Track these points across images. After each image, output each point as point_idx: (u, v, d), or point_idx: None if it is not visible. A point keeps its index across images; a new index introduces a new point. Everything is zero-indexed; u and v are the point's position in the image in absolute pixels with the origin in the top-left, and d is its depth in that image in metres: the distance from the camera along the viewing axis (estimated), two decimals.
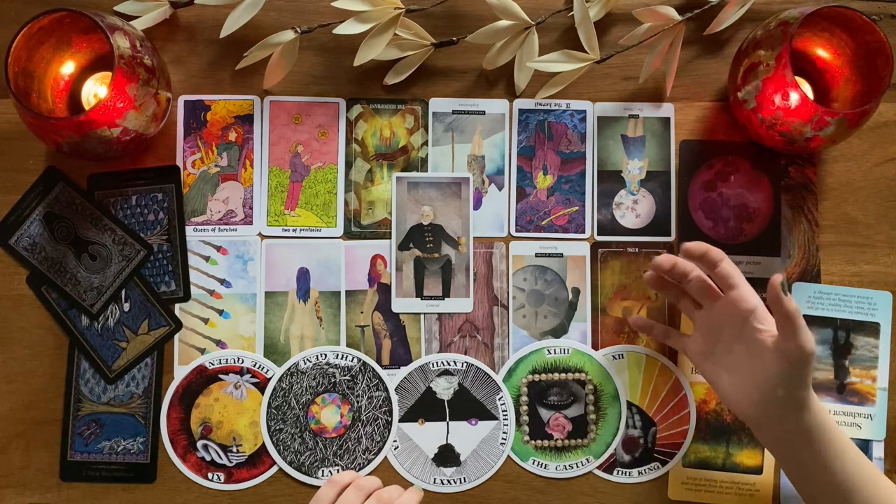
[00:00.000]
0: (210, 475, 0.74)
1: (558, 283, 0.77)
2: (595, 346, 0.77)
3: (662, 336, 0.74)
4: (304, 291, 0.76)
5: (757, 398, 0.64)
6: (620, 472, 0.76)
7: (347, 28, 0.72)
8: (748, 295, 0.65)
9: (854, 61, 0.72)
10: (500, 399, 0.76)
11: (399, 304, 0.77)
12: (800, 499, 0.68)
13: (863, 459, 0.62)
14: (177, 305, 0.76)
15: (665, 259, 0.69)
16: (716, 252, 0.66)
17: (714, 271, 0.66)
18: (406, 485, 0.75)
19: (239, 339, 0.76)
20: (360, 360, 0.76)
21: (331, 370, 0.76)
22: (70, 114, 0.73)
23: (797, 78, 0.69)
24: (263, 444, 0.75)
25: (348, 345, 0.76)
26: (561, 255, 0.78)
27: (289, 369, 0.75)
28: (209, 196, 0.77)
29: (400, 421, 0.76)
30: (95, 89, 0.74)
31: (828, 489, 0.62)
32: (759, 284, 0.77)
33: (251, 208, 0.77)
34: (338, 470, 0.75)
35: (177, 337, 0.75)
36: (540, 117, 0.78)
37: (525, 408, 0.76)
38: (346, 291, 0.77)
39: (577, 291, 0.77)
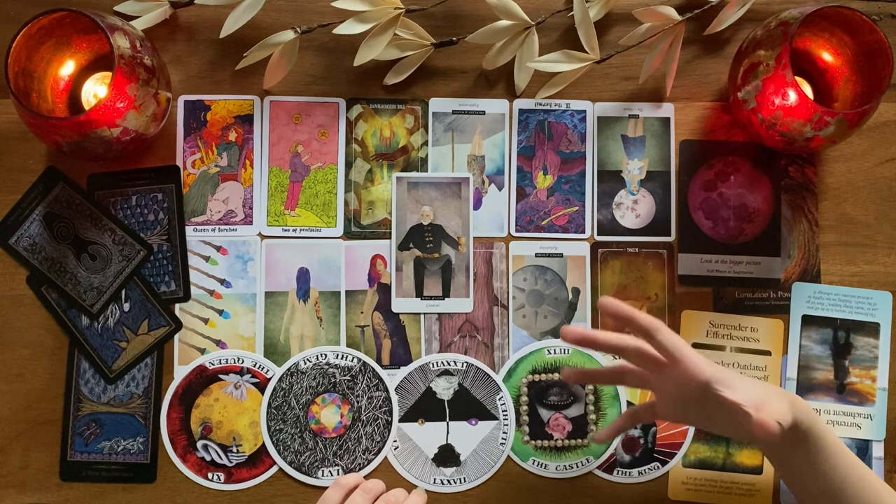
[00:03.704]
0: (210, 475, 0.75)
1: (558, 283, 0.77)
2: None
3: (632, 422, 0.70)
4: (304, 291, 0.76)
5: (748, 435, 0.62)
6: (620, 472, 0.76)
7: (347, 28, 0.72)
8: (698, 367, 0.59)
9: (854, 61, 0.72)
10: (500, 399, 0.76)
11: (399, 304, 0.77)
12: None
13: (857, 463, 0.62)
14: (177, 305, 0.76)
15: (582, 334, 0.62)
16: (646, 320, 0.60)
17: (652, 343, 0.60)
18: (406, 485, 0.75)
19: (239, 339, 0.76)
20: (360, 360, 0.76)
21: (331, 370, 0.76)
22: (70, 114, 0.73)
23: (797, 78, 0.69)
24: (263, 444, 0.75)
25: (348, 345, 0.76)
26: (561, 255, 0.78)
27: (289, 369, 0.75)
28: (209, 196, 0.77)
29: (400, 421, 0.76)
30: (95, 89, 0.74)
31: (823, 493, 0.62)
32: (760, 284, 0.78)
33: (251, 208, 0.77)
34: (338, 470, 0.75)
35: (177, 337, 0.75)
36: (540, 117, 0.78)
37: (525, 408, 0.76)
38: (346, 291, 0.77)
39: (577, 291, 0.77)
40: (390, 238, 0.77)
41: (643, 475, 0.76)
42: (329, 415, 0.75)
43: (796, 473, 0.63)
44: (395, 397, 0.76)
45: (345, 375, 0.76)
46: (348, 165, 0.78)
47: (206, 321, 0.76)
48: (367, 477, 0.75)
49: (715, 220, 0.78)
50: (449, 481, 0.75)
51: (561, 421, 0.76)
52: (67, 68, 0.73)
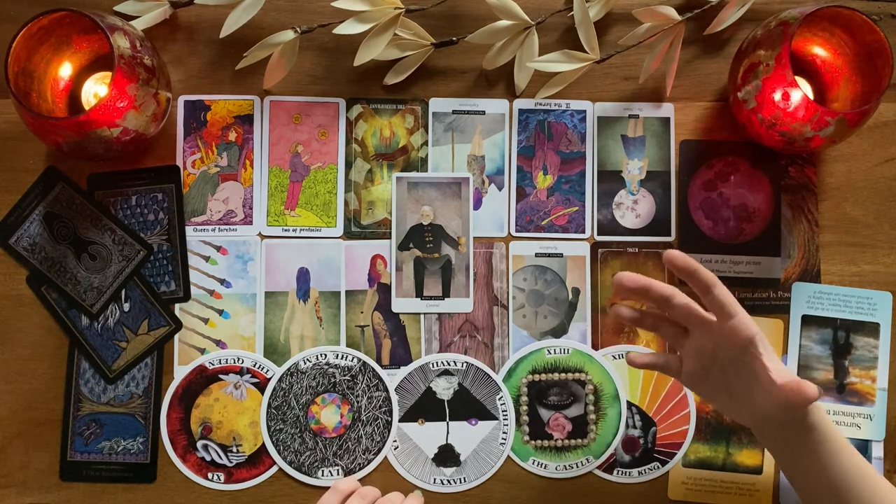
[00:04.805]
0: (210, 475, 0.75)
1: (558, 283, 0.78)
2: (595, 346, 0.77)
3: (663, 365, 0.69)
4: (304, 291, 0.76)
5: (757, 415, 0.63)
6: (620, 472, 0.76)
7: (347, 28, 0.72)
8: (747, 324, 0.61)
9: (854, 61, 0.72)
10: (500, 399, 0.76)
11: (399, 304, 0.77)
12: (799, 498, 0.68)
13: (858, 458, 0.62)
14: (177, 305, 0.76)
15: (638, 279, 0.63)
16: (707, 275, 0.62)
17: (706, 298, 0.62)
18: (406, 485, 0.75)
19: (239, 339, 0.76)
20: (360, 360, 0.76)
21: (331, 370, 0.76)
22: (70, 114, 0.73)
23: (797, 78, 0.69)
24: (263, 444, 0.75)
25: (348, 345, 0.76)
26: (561, 255, 0.78)
27: (289, 369, 0.75)
28: (209, 196, 0.77)
29: (400, 421, 0.76)
30: (95, 89, 0.74)
31: (823, 487, 0.62)
32: (760, 284, 0.78)
33: (251, 208, 0.77)
34: (338, 470, 0.75)
35: (177, 337, 0.75)
36: (540, 117, 0.78)
37: (525, 408, 0.76)
38: (346, 291, 0.77)
39: (577, 291, 0.77)
40: (390, 238, 0.77)
41: (643, 475, 0.76)
42: (329, 415, 0.75)
43: (799, 467, 0.63)
44: (395, 397, 0.76)
45: (345, 375, 0.76)
46: (348, 165, 0.78)
47: (206, 321, 0.76)
48: (367, 477, 0.75)
49: (715, 220, 0.78)
50: (449, 481, 0.75)
51: (561, 421, 0.76)
52: (67, 68, 0.73)
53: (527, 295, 0.77)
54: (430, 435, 0.76)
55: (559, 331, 0.77)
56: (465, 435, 0.76)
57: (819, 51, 0.75)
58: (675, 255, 0.63)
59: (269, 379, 0.75)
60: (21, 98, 0.65)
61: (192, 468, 0.75)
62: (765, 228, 0.78)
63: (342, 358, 0.76)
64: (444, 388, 0.76)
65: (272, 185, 0.77)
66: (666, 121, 0.79)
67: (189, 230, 0.76)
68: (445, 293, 0.77)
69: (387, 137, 0.78)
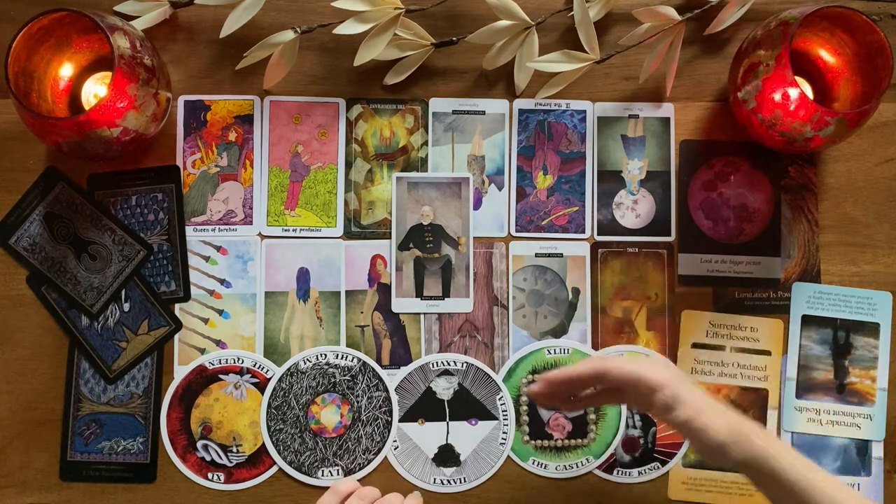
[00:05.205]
0: (210, 475, 0.75)
1: (558, 283, 0.78)
2: (595, 346, 0.77)
3: (603, 400, 0.69)
4: (304, 291, 0.76)
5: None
6: (620, 472, 0.76)
7: (347, 28, 0.72)
8: (647, 383, 0.60)
9: (854, 61, 0.72)
10: (500, 399, 0.76)
11: (399, 304, 0.77)
12: None
13: (827, 485, 0.58)
14: (177, 305, 0.76)
15: (549, 392, 0.63)
16: (590, 371, 0.61)
17: (607, 383, 0.62)
18: (406, 485, 0.75)
19: (239, 339, 0.76)
20: (360, 360, 0.76)
21: (331, 370, 0.76)
22: (70, 114, 0.73)
23: (797, 78, 0.69)
24: (263, 444, 0.75)
25: (348, 345, 0.76)
26: (561, 255, 0.78)
27: (289, 369, 0.75)
28: (209, 196, 0.77)
29: (400, 421, 0.76)
30: (95, 89, 0.74)
31: None
32: (760, 284, 0.78)
33: (251, 208, 0.77)
34: (338, 470, 0.75)
35: (177, 337, 0.75)
36: (540, 117, 0.78)
37: (525, 408, 0.76)
38: (346, 291, 0.77)
39: (577, 291, 0.77)
40: (390, 238, 0.77)
41: (643, 475, 0.76)
42: (329, 415, 0.75)
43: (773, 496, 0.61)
44: (395, 397, 0.76)
45: (345, 375, 0.76)
46: (348, 165, 0.78)
47: (206, 321, 0.76)
48: (367, 477, 0.75)
49: (715, 220, 0.78)
50: (449, 481, 0.75)
51: (561, 421, 0.76)
52: (67, 68, 0.73)
53: (527, 295, 0.77)
54: (430, 435, 0.76)
55: (559, 331, 0.77)
56: (465, 435, 0.76)
57: (819, 51, 0.75)
58: (542, 386, 0.63)
59: (269, 379, 0.75)
60: (21, 98, 0.65)
61: (192, 468, 0.75)
62: (765, 228, 0.78)
63: (342, 358, 0.76)
64: (444, 388, 0.76)
65: (272, 185, 0.77)
66: (666, 121, 0.79)
67: (189, 230, 0.76)
68: (445, 293, 0.77)
69: (387, 137, 0.78)
